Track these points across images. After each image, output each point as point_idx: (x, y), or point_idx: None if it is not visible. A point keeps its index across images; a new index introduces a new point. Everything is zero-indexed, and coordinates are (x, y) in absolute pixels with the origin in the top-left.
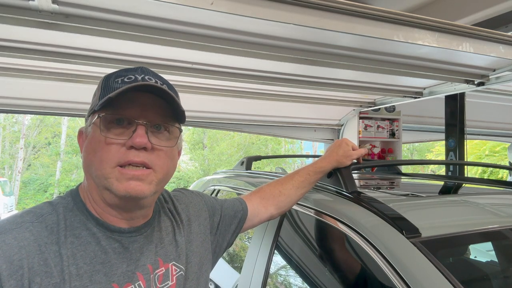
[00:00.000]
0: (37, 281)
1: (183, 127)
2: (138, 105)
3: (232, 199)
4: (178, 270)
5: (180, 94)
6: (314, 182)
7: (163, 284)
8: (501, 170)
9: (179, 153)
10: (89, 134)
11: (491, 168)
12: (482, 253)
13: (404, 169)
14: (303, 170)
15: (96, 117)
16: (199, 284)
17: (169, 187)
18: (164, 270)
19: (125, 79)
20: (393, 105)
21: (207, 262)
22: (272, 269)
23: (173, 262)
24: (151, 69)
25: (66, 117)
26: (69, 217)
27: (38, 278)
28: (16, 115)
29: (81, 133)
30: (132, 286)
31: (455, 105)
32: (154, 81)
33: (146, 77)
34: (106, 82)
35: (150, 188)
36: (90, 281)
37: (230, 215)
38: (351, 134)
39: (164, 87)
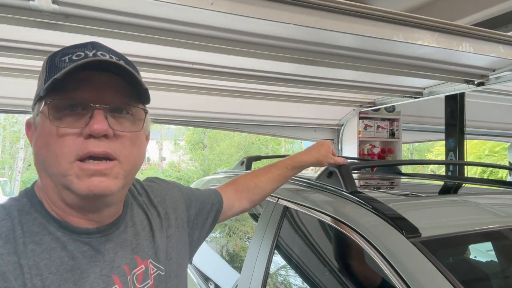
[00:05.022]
0: None
1: (184, 128)
2: (92, 86)
3: (207, 190)
4: (155, 269)
5: (180, 94)
6: (291, 177)
7: (143, 284)
8: (501, 170)
9: (147, 138)
10: (38, 125)
11: (491, 168)
12: (482, 253)
13: (404, 169)
14: (281, 163)
15: (43, 105)
16: (180, 280)
17: None
18: (143, 268)
19: (73, 57)
20: (393, 105)
21: (185, 257)
22: (272, 269)
23: (150, 260)
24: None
25: None
26: (26, 221)
27: None
28: (16, 115)
29: (29, 124)
30: None
31: (455, 105)
32: (108, 56)
33: (99, 53)
34: (51, 62)
35: (117, 183)
36: None
37: (207, 208)
38: (351, 134)
39: (121, 62)
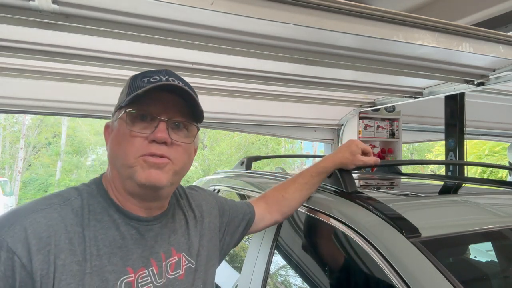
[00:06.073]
0: (61, 257)
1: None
2: (161, 103)
3: (241, 202)
4: (187, 262)
5: None
6: (318, 183)
7: (174, 273)
8: (501, 170)
9: (195, 151)
10: (115, 128)
11: (491, 168)
12: (482, 253)
13: (404, 169)
14: (306, 172)
15: (122, 112)
16: (207, 276)
17: None
18: (176, 259)
19: (151, 79)
20: (393, 105)
21: (214, 258)
22: (272, 269)
23: (183, 253)
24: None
25: (66, 117)
26: (92, 202)
27: (63, 255)
28: (16, 115)
29: (107, 127)
30: (146, 270)
31: (455, 105)
32: (177, 82)
33: (170, 78)
34: (134, 81)
35: (168, 177)
36: (108, 262)
37: (239, 217)
38: (351, 134)
39: (186, 88)
